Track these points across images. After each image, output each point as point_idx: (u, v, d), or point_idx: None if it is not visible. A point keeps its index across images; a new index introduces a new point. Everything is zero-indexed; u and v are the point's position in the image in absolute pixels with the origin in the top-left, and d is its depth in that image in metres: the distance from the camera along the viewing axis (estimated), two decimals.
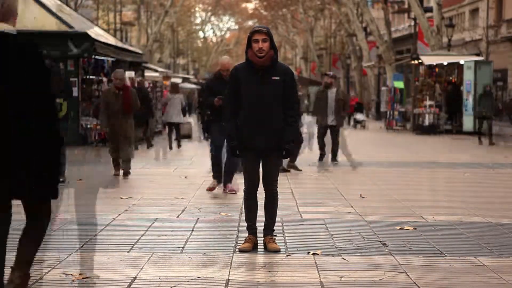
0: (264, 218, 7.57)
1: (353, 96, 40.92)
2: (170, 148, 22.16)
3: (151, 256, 7.01)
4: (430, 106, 32.31)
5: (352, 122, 40.39)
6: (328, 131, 17.64)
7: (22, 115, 4.88)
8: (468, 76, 30.49)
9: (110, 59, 24.06)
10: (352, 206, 10.38)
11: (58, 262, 6.69)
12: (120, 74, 14.21)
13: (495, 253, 7.35)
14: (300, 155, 15.91)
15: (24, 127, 4.89)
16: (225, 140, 10.63)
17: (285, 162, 14.56)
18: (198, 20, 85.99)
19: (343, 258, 7.00)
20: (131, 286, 5.97)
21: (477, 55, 38.16)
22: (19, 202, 5.16)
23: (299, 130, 15.03)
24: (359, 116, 39.40)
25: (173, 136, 22.73)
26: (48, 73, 5.04)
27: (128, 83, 15.39)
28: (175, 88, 23.12)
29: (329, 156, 17.52)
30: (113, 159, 14.14)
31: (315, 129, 19.45)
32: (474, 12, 47.33)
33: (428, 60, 33.65)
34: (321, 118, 17.80)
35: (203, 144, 20.43)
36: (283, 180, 11.73)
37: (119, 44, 27.64)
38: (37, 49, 4.98)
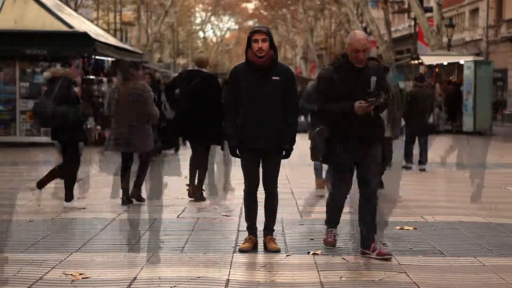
0: (264, 218, 7.58)
1: None
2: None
3: (151, 256, 7.02)
4: None
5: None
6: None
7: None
8: (468, 76, 30.43)
9: (110, 59, 24.06)
10: (352, 206, 10.36)
11: (58, 262, 6.69)
12: None
13: (495, 253, 7.35)
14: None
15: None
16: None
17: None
18: (198, 20, 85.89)
19: (343, 258, 7.00)
20: (131, 286, 5.97)
21: (477, 55, 38.12)
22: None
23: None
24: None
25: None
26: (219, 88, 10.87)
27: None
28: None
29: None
30: None
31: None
32: (474, 12, 47.29)
33: (428, 60, 33.61)
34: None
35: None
36: (283, 180, 11.70)
37: (119, 44, 27.64)
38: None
